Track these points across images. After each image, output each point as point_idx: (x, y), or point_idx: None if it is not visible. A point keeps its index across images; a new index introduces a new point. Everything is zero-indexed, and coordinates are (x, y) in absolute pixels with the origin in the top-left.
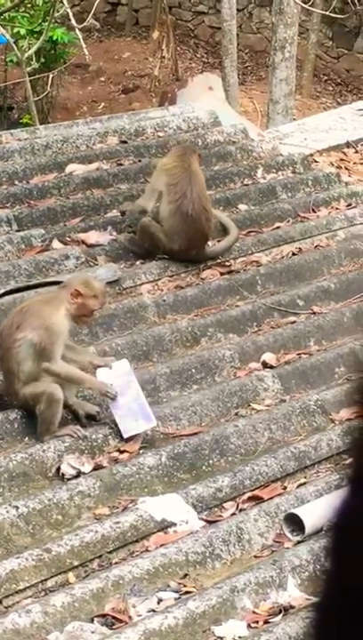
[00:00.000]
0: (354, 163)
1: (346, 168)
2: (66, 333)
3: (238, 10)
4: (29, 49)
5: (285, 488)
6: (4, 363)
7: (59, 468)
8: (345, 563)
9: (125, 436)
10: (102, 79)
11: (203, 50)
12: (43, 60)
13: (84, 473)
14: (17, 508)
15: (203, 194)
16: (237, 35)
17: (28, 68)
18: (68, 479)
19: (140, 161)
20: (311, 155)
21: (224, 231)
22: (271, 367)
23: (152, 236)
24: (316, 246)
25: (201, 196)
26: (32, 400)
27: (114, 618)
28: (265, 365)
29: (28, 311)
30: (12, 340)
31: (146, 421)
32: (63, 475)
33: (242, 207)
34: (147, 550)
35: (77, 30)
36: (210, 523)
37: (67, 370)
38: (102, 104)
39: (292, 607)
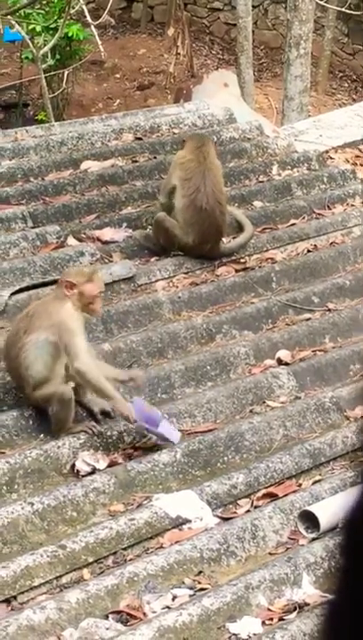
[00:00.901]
0: None
1: (361, 165)
2: (81, 327)
3: (254, 6)
4: (45, 46)
5: (299, 485)
6: (12, 371)
7: (73, 465)
8: (359, 560)
9: (177, 440)
10: (118, 76)
11: (218, 46)
12: (58, 56)
13: (98, 469)
14: (32, 504)
15: (217, 187)
16: (253, 31)
17: (44, 65)
18: (83, 476)
19: (155, 158)
20: (327, 151)
21: (239, 228)
22: (286, 364)
23: (167, 230)
24: (331, 243)
25: (215, 190)
26: (44, 402)
27: (128, 614)
28: (280, 362)
29: (34, 314)
30: (19, 346)
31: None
32: (78, 471)
33: (257, 204)
34: (161, 547)
35: (93, 27)
36: (225, 520)
37: (98, 377)
38: (118, 101)
39: (306, 604)
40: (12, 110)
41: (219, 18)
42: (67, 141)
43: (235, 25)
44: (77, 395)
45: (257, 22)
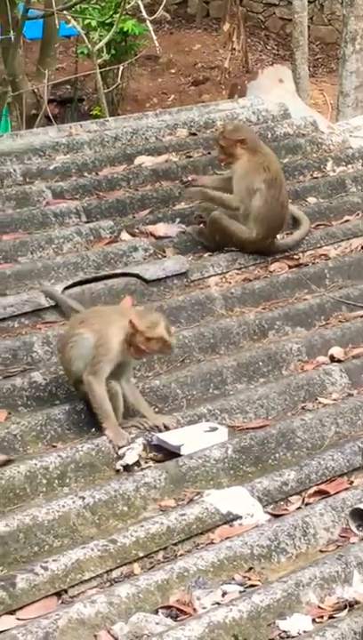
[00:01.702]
0: None
1: None
2: (116, 353)
3: (310, 1)
4: (100, 41)
5: (351, 483)
6: (62, 364)
7: (122, 458)
8: None
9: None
10: (172, 71)
11: (273, 42)
12: (113, 51)
13: (149, 465)
14: (83, 498)
15: (285, 182)
16: (308, 26)
17: (99, 60)
18: (136, 470)
19: (209, 153)
20: None
21: (295, 224)
22: (339, 361)
23: (224, 229)
24: None
25: (285, 185)
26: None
27: (178, 610)
28: (332, 359)
29: (96, 311)
30: (70, 335)
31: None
32: (129, 465)
33: (311, 200)
34: (212, 543)
35: (148, 22)
36: (275, 516)
37: (102, 400)
38: (172, 96)
39: (357, 602)
40: (67, 105)
41: (274, 13)
42: (121, 136)
43: (290, 20)
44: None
45: (313, 17)
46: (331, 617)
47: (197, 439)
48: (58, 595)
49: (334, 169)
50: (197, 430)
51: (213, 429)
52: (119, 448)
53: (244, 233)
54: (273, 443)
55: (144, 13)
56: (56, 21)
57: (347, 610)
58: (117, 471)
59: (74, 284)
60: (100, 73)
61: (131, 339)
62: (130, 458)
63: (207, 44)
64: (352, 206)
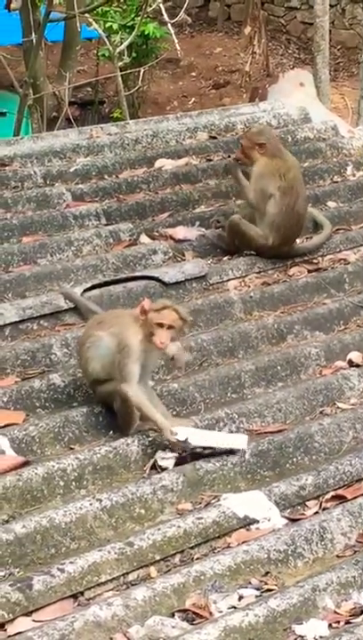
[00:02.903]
0: None
1: None
2: (139, 353)
3: (331, 5)
4: (121, 44)
5: None
6: (80, 366)
7: (155, 461)
8: None
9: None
10: (193, 74)
11: (294, 46)
12: (134, 54)
13: (167, 468)
14: (100, 500)
15: (304, 191)
16: (330, 31)
17: (120, 63)
18: (163, 470)
19: (229, 157)
20: None
21: (315, 228)
22: (357, 366)
23: (243, 233)
24: None
25: (304, 193)
26: (107, 398)
27: (194, 613)
28: (351, 364)
29: (113, 314)
30: (87, 336)
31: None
32: (160, 467)
33: (331, 204)
34: (229, 547)
35: (169, 25)
36: (293, 521)
37: (140, 401)
38: (193, 99)
39: None
40: (88, 108)
41: (296, 17)
42: (141, 139)
43: (312, 24)
44: None
45: (334, 22)
46: (347, 622)
47: (214, 438)
48: (74, 597)
49: (355, 173)
50: (216, 432)
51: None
52: (178, 449)
53: (261, 238)
54: (291, 447)
55: (165, 16)
56: (78, 24)
57: None
58: (154, 468)
59: (93, 287)
60: (121, 76)
61: (145, 326)
62: (165, 462)
63: (228, 47)
64: None
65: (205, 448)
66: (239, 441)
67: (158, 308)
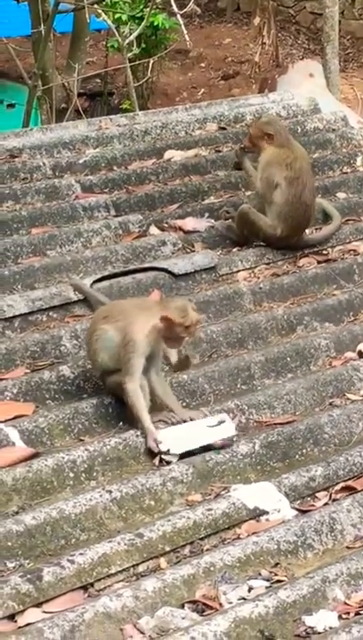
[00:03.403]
0: None
1: None
2: (143, 348)
3: None
4: (130, 35)
5: None
6: (87, 351)
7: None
8: None
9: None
10: (202, 65)
11: (304, 36)
12: (143, 45)
13: (170, 462)
14: (110, 492)
15: (313, 181)
16: (339, 21)
17: (129, 54)
18: (168, 462)
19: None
20: None
21: (325, 219)
22: None
23: (252, 223)
24: None
25: (312, 184)
26: (117, 388)
27: (204, 604)
28: (361, 355)
29: (119, 306)
30: (94, 328)
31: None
32: (165, 459)
33: (340, 195)
34: (238, 538)
35: (178, 16)
36: (302, 512)
37: (136, 400)
38: (202, 90)
39: None
40: (97, 99)
41: (305, 7)
42: (150, 130)
43: (321, 14)
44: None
45: (344, 12)
46: (357, 613)
47: (199, 436)
48: (84, 588)
49: None
50: (201, 426)
51: (220, 422)
52: (150, 451)
53: (269, 228)
54: (301, 438)
55: (174, 7)
56: (87, 15)
57: None
58: (160, 460)
59: (102, 278)
60: (130, 67)
61: (168, 333)
62: (169, 457)
63: (238, 38)
64: None
65: (190, 451)
66: (225, 428)
67: (183, 320)
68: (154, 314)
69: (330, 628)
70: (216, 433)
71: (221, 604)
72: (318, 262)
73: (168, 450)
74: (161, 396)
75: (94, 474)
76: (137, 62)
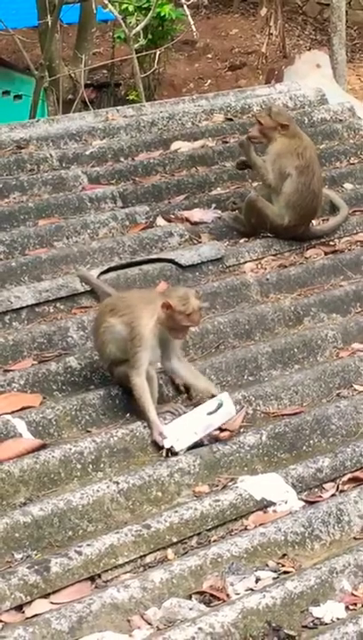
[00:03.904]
0: None
1: None
2: (150, 341)
3: None
4: (137, 25)
5: None
6: (96, 348)
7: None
8: None
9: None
10: (209, 56)
11: (311, 27)
12: (150, 36)
13: (178, 453)
14: (117, 483)
15: (320, 171)
16: (346, 11)
17: (136, 45)
18: (174, 454)
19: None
20: None
21: (332, 210)
22: None
23: (259, 211)
24: None
25: (320, 173)
26: (125, 379)
27: (212, 595)
28: None
29: (125, 299)
30: (101, 320)
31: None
32: (171, 450)
33: (348, 186)
34: (246, 529)
35: (185, 7)
36: (310, 503)
37: (142, 393)
38: (209, 81)
39: None
40: (104, 90)
41: None
42: (157, 121)
43: (328, 5)
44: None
45: (351, 2)
46: None
47: (201, 426)
48: (91, 579)
49: None
50: (200, 414)
51: (219, 406)
52: (155, 443)
53: (277, 218)
54: (308, 429)
55: None
56: (93, 6)
57: None
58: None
59: (109, 269)
60: (137, 58)
61: (169, 321)
62: (178, 446)
63: (244, 28)
64: None
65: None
66: (225, 411)
67: (185, 308)
68: (159, 306)
69: (337, 619)
70: (216, 419)
71: (228, 595)
72: (326, 253)
73: (171, 447)
74: (191, 381)
75: (101, 465)
76: (144, 53)
